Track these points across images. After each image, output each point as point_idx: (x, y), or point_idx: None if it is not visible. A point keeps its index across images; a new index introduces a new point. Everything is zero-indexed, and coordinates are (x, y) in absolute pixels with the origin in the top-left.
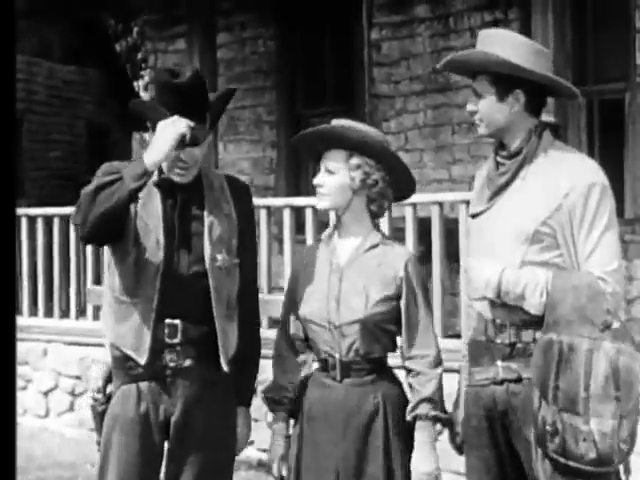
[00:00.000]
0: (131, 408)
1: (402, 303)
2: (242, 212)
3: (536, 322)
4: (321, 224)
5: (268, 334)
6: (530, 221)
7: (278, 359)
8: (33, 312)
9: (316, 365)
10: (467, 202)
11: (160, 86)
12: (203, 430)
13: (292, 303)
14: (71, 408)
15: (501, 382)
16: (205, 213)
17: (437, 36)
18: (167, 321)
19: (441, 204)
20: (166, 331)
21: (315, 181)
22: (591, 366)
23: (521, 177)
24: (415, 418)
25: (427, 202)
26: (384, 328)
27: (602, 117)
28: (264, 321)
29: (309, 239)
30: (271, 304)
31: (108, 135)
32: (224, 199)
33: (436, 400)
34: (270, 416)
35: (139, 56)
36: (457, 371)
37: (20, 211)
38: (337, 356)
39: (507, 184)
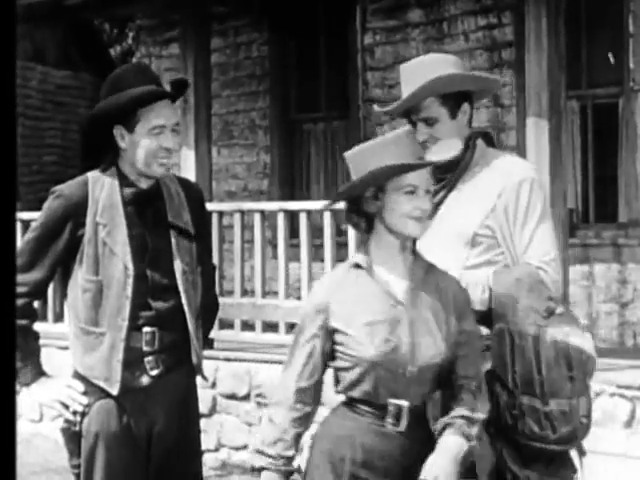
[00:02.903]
0: (113, 423)
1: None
2: (198, 218)
3: (484, 318)
4: (314, 228)
5: (262, 338)
6: (468, 226)
7: (283, 409)
8: None
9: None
10: None
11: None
12: (182, 437)
13: (325, 340)
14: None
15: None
16: (170, 222)
17: (431, 41)
18: (145, 329)
19: None
20: (144, 339)
21: (425, 206)
22: (539, 351)
23: (458, 188)
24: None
25: None
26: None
27: (596, 121)
28: (258, 325)
29: (303, 243)
30: (265, 308)
31: (85, 167)
32: (182, 207)
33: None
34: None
35: (133, 61)
36: None
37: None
38: (406, 404)
39: (444, 198)
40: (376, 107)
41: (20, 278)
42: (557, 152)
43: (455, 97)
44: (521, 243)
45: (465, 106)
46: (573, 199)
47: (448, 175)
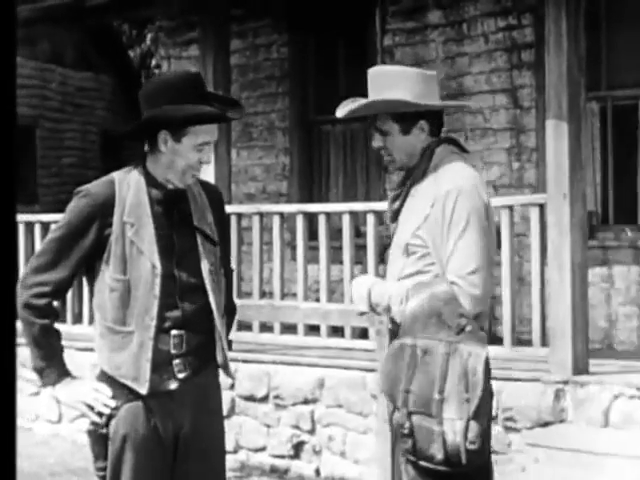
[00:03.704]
0: (141, 426)
1: None
2: (219, 220)
3: None
4: (333, 230)
5: (280, 340)
6: (404, 235)
7: None
8: None
9: None
10: None
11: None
12: (208, 439)
13: None
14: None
15: None
16: (195, 226)
17: (450, 42)
18: (173, 332)
19: None
20: (172, 342)
21: None
22: (447, 369)
23: (411, 195)
24: None
25: None
26: None
27: (615, 123)
28: (276, 327)
29: (322, 245)
30: (283, 310)
31: (121, 142)
32: (206, 208)
33: None
34: None
35: (153, 62)
36: None
37: (33, 217)
38: None
39: (401, 205)
40: (338, 113)
41: (41, 278)
42: (577, 154)
43: (409, 115)
44: (445, 256)
45: (421, 123)
46: (592, 201)
47: (405, 184)
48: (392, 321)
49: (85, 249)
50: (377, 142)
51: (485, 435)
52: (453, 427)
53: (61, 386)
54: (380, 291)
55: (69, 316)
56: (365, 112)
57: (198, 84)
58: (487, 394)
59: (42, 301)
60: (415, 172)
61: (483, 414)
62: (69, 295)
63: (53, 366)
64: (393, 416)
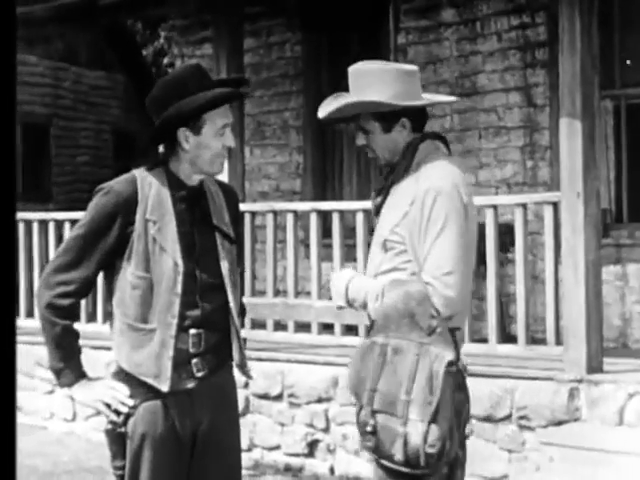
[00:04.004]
0: (159, 424)
1: None
2: (234, 219)
3: None
4: (347, 228)
5: (294, 338)
6: (383, 231)
7: None
8: None
9: None
10: (494, 206)
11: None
12: (226, 437)
13: None
14: (98, 412)
15: None
16: (215, 225)
17: (464, 40)
18: (192, 331)
19: None
20: (191, 341)
21: None
22: (416, 370)
23: (393, 191)
24: None
25: None
26: None
27: (629, 121)
28: (290, 325)
29: (335, 243)
30: (297, 308)
31: (134, 140)
32: (223, 208)
33: None
34: None
35: (166, 61)
36: (484, 375)
37: (47, 216)
38: None
39: (383, 201)
40: (319, 113)
41: (64, 277)
42: (590, 152)
43: (390, 114)
44: (421, 256)
45: (402, 121)
46: (606, 199)
47: (388, 180)
48: (369, 317)
49: (108, 247)
50: (360, 140)
51: (447, 439)
52: (414, 429)
53: (78, 387)
54: (357, 287)
55: (83, 315)
56: (342, 114)
57: (201, 74)
58: (449, 398)
59: (66, 301)
60: (397, 168)
61: (444, 418)
62: None
63: (71, 367)
64: (359, 414)
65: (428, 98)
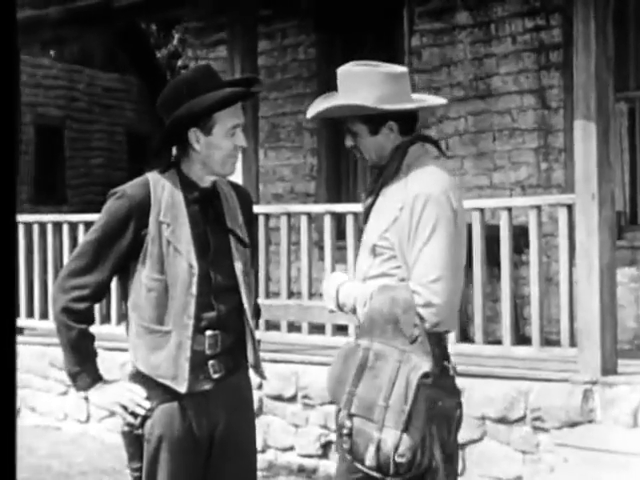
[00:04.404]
0: (176, 426)
1: None
2: (248, 221)
3: None
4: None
5: (308, 339)
6: (372, 236)
7: None
8: None
9: None
10: (508, 208)
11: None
12: (242, 439)
13: None
14: (112, 413)
15: None
16: (228, 226)
17: (478, 43)
18: (208, 333)
19: (482, 210)
20: (207, 343)
21: None
22: (397, 377)
23: (382, 194)
24: None
25: (468, 208)
26: None
27: None
28: (304, 327)
29: (349, 245)
30: (311, 310)
31: (148, 142)
32: (237, 209)
33: None
34: None
35: (180, 63)
36: (498, 377)
37: (61, 218)
38: None
39: (372, 203)
40: (308, 113)
41: (80, 281)
42: (605, 154)
43: (377, 117)
44: (410, 262)
45: (390, 123)
46: (621, 201)
47: (377, 182)
48: (358, 321)
49: (122, 250)
50: (349, 142)
51: (418, 449)
52: (388, 436)
53: (94, 390)
54: (347, 291)
55: (97, 316)
56: (330, 115)
57: (211, 74)
58: (422, 408)
59: (82, 305)
60: (386, 171)
61: (416, 429)
62: None
63: (87, 371)
64: (338, 415)
65: (418, 100)
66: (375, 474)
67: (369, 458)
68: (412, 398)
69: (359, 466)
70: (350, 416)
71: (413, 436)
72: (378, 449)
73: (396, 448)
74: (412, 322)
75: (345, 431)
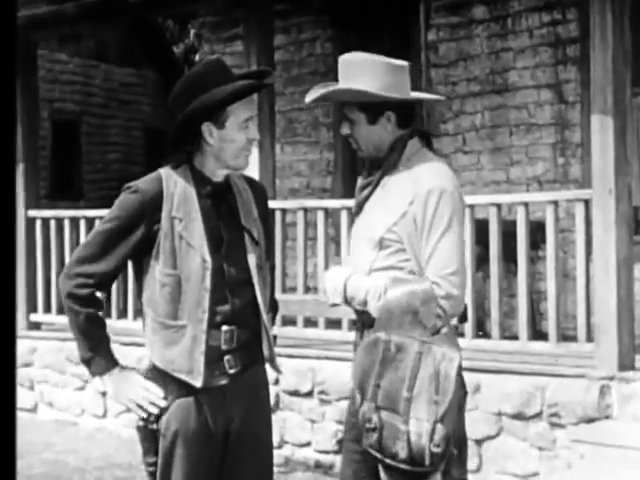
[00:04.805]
0: (192, 421)
1: None
2: (263, 215)
3: None
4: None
5: (325, 335)
6: (378, 228)
7: None
8: None
9: None
10: (525, 204)
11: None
12: (258, 434)
13: None
14: (129, 409)
15: None
16: (242, 220)
17: (495, 37)
18: (224, 328)
19: (499, 205)
20: (223, 338)
21: None
22: (419, 368)
23: (381, 186)
24: None
25: (485, 204)
26: None
27: None
28: (321, 322)
29: None
30: (327, 305)
31: (165, 137)
32: (251, 203)
33: None
34: None
35: (196, 58)
36: (514, 372)
37: (78, 213)
38: None
39: (370, 195)
40: (306, 98)
41: (86, 268)
42: (622, 149)
43: (375, 105)
44: (424, 255)
45: (388, 114)
46: (638, 196)
47: (375, 173)
48: (365, 314)
49: (132, 244)
50: (345, 129)
51: (451, 439)
52: (419, 428)
53: (110, 377)
54: (356, 284)
55: (114, 311)
56: (329, 100)
57: (222, 68)
58: (456, 399)
59: (85, 291)
60: (386, 163)
61: (450, 419)
62: (114, 290)
63: (100, 355)
64: (360, 409)
65: (416, 95)
66: (406, 467)
67: (401, 451)
68: (452, 390)
69: (389, 461)
70: (377, 409)
71: (447, 426)
72: (408, 441)
73: (431, 438)
74: (433, 313)
75: (371, 425)
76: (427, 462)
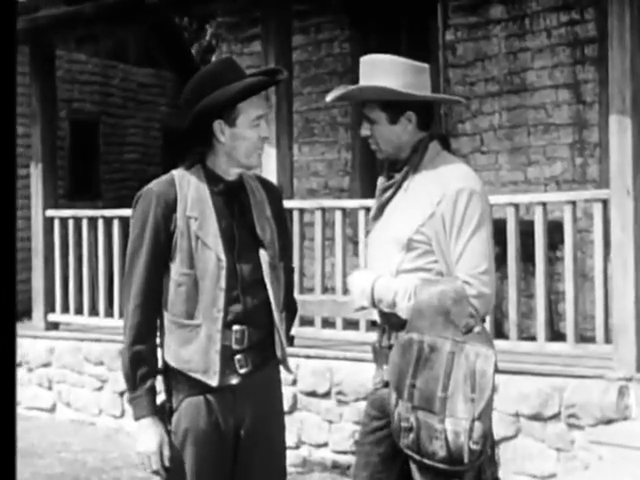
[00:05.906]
0: (202, 420)
1: None
2: (277, 214)
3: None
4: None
5: (342, 335)
6: (405, 230)
7: None
8: (109, 313)
9: None
10: (543, 204)
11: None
12: (269, 434)
13: None
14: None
15: (386, 384)
16: (255, 219)
17: (513, 37)
18: (235, 327)
19: (517, 206)
20: (234, 337)
21: None
22: (452, 367)
23: (404, 188)
24: None
25: (503, 204)
26: None
27: None
28: (338, 322)
29: None
30: (345, 305)
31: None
32: (264, 203)
33: None
34: None
35: (214, 58)
36: (532, 373)
37: (96, 213)
38: None
39: (392, 196)
40: (327, 97)
41: (141, 347)
42: None
43: (396, 104)
44: (454, 255)
45: (409, 114)
46: None
47: (397, 175)
48: (393, 315)
49: (163, 253)
50: (365, 130)
51: (488, 436)
52: (456, 426)
53: (139, 427)
54: (385, 286)
55: (115, 311)
56: (352, 98)
57: (233, 66)
58: (492, 397)
59: (145, 367)
60: (409, 165)
61: (487, 415)
62: (114, 290)
63: (142, 398)
64: (395, 409)
65: (437, 96)
66: (444, 466)
67: (440, 450)
68: (490, 387)
69: (426, 461)
70: (413, 409)
71: (485, 423)
72: (446, 440)
73: (470, 436)
74: (465, 312)
75: (407, 425)
76: (466, 460)
